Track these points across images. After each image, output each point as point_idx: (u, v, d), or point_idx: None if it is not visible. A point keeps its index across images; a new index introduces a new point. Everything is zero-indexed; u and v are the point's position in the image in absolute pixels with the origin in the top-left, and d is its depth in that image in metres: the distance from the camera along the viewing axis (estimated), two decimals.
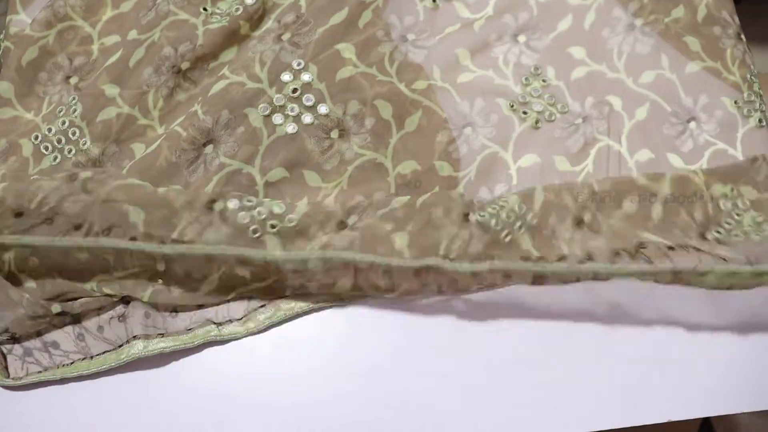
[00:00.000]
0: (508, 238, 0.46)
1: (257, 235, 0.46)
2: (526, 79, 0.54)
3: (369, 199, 0.49)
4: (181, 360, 0.47)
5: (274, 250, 0.45)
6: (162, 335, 0.46)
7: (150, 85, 0.51)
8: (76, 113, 0.50)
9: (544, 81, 0.54)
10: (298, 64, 0.50)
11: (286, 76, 0.50)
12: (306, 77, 0.50)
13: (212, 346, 0.47)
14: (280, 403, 0.46)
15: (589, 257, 0.45)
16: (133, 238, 0.45)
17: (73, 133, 0.50)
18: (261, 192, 0.49)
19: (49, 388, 0.46)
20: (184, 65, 0.52)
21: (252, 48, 0.52)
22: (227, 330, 0.47)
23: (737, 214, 0.48)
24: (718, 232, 0.47)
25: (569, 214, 0.47)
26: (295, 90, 0.50)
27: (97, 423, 0.45)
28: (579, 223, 0.47)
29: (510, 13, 0.55)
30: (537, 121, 0.52)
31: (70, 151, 0.50)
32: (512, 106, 0.53)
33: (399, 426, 0.45)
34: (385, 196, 0.49)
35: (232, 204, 0.46)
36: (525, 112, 0.52)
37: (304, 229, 0.46)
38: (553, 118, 0.53)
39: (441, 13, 0.56)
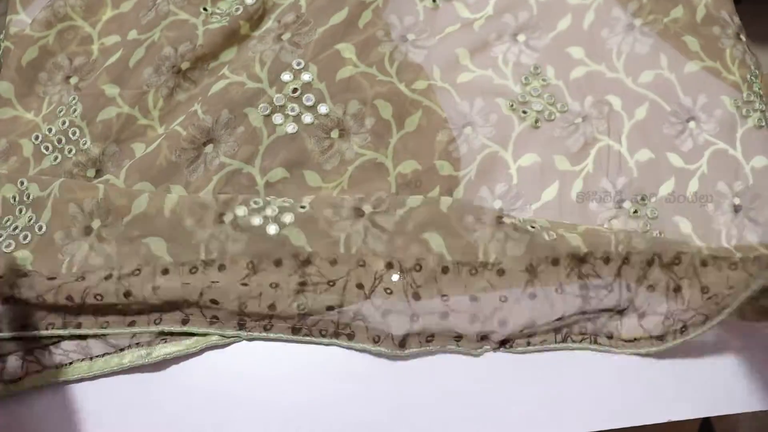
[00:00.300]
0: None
1: (276, 231, 0.46)
2: (526, 78, 0.54)
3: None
4: (181, 363, 0.47)
5: (297, 242, 0.46)
6: (165, 340, 0.46)
7: (150, 85, 0.51)
8: (76, 113, 0.50)
9: (543, 80, 0.54)
10: (298, 64, 0.50)
11: (286, 76, 0.50)
12: (306, 77, 0.50)
13: (213, 349, 0.47)
14: (280, 403, 0.45)
15: None
16: (165, 271, 0.45)
17: (74, 133, 0.50)
18: (261, 192, 0.48)
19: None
20: (184, 65, 0.51)
21: (252, 48, 0.52)
22: (229, 333, 0.46)
23: None
24: None
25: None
26: (295, 90, 0.49)
27: (96, 423, 0.45)
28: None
29: (510, 12, 0.56)
30: (537, 121, 0.52)
31: (70, 150, 0.50)
32: (512, 105, 0.53)
33: (397, 427, 0.45)
34: (386, 195, 0.48)
35: (241, 211, 0.47)
36: (525, 112, 0.52)
37: (318, 212, 0.47)
38: (552, 117, 0.53)
39: (441, 13, 0.56)
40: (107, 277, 0.44)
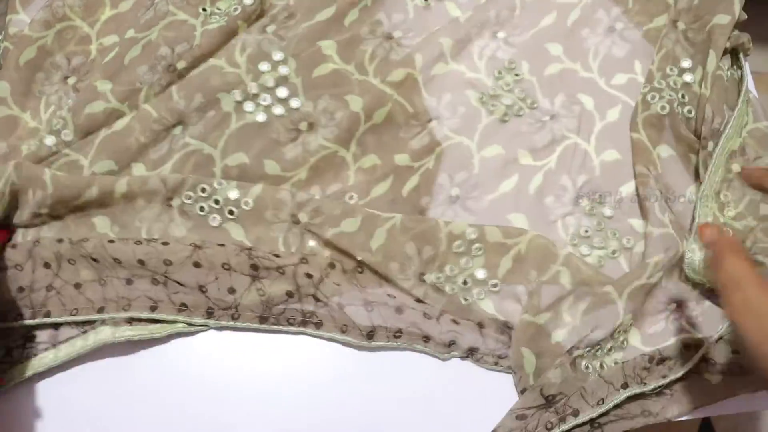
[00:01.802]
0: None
1: (217, 224, 0.46)
2: (499, 72, 0.53)
3: (324, 194, 0.48)
4: (151, 349, 0.46)
5: (237, 237, 0.46)
6: (130, 323, 0.45)
7: (143, 82, 0.50)
8: (67, 105, 0.50)
9: (517, 75, 0.53)
10: (279, 57, 0.50)
11: (264, 66, 0.50)
12: (283, 70, 0.50)
13: (180, 337, 0.46)
14: (247, 392, 0.44)
15: None
16: (111, 241, 0.45)
17: (56, 124, 0.49)
18: (218, 174, 0.48)
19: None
20: (180, 64, 0.51)
21: (238, 37, 0.52)
22: (197, 321, 0.45)
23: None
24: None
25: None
26: (270, 81, 0.49)
27: (67, 415, 0.44)
28: None
29: (495, 8, 0.55)
30: (504, 115, 0.52)
31: (50, 140, 0.49)
32: (482, 98, 0.52)
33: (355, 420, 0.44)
34: (325, 208, 0.47)
35: (188, 198, 0.46)
36: (494, 105, 0.52)
37: (260, 212, 0.47)
38: (521, 113, 0.52)
39: (432, 13, 0.56)
40: (59, 240, 0.44)
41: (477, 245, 0.47)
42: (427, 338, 0.45)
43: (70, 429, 0.43)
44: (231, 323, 0.45)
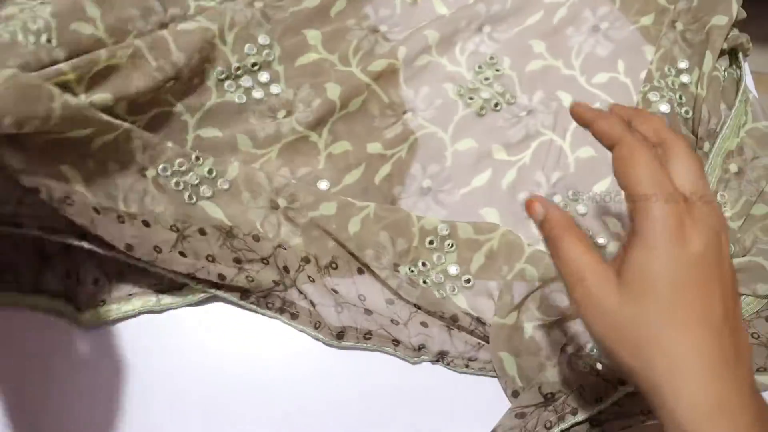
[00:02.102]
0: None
1: (193, 201, 0.46)
2: (480, 66, 0.53)
3: (294, 176, 0.48)
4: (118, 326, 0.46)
5: (215, 215, 0.46)
6: (104, 302, 0.45)
7: (134, 27, 0.47)
8: (47, 11, 0.43)
9: (497, 70, 0.53)
10: (265, 41, 0.50)
11: (249, 48, 0.50)
12: (268, 56, 0.50)
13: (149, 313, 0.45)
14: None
15: None
16: (96, 211, 0.42)
17: (35, 21, 0.42)
18: (189, 142, 0.47)
19: None
20: (172, 26, 0.48)
21: (225, 6, 0.51)
22: (166, 300, 0.45)
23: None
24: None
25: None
26: (254, 64, 0.49)
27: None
28: None
29: (483, 2, 0.55)
30: (481, 108, 0.51)
31: (27, 38, 0.42)
32: (459, 91, 0.52)
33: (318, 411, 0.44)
34: (302, 193, 0.47)
35: (163, 170, 0.46)
36: (471, 98, 0.52)
37: (236, 193, 0.46)
38: (498, 108, 0.52)
39: (418, 10, 0.55)
40: (36, 191, 0.40)
41: (449, 241, 0.47)
42: (396, 342, 0.45)
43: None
44: (213, 291, 0.44)
